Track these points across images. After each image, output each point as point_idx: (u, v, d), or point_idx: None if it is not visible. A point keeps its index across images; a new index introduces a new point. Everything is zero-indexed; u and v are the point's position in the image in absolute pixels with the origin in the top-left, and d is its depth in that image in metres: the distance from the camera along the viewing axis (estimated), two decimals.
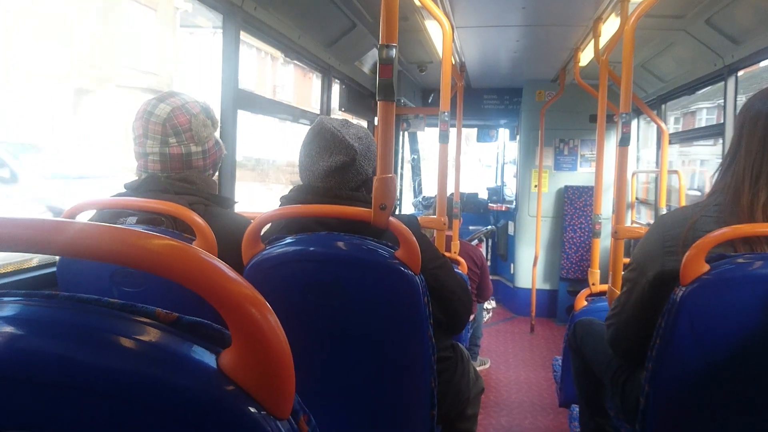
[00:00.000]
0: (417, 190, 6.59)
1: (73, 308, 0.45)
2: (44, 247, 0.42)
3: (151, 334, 0.44)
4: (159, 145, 1.45)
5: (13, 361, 0.41)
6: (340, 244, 1.29)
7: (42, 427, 0.41)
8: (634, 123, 5.07)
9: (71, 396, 0.41)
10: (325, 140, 1.43)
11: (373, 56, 4.04)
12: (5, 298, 0.47)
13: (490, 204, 6.18)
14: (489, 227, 5.89)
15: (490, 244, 6.05)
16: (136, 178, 1.50)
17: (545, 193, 5.30)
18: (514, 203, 5.75)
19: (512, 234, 5.67)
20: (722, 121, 3.22)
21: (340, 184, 1.43)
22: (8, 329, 0.43)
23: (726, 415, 1.18)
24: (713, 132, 3.76)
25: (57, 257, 1.45)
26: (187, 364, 0.43)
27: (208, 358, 0.44)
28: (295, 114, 3.25)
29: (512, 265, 5.63)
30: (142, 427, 0.41)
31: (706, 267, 1.14)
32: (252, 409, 0.43)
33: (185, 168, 1.49)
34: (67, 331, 0.43)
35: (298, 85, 19.55)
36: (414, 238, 1.24)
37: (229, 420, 0.42)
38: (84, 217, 1.51)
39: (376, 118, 4.79)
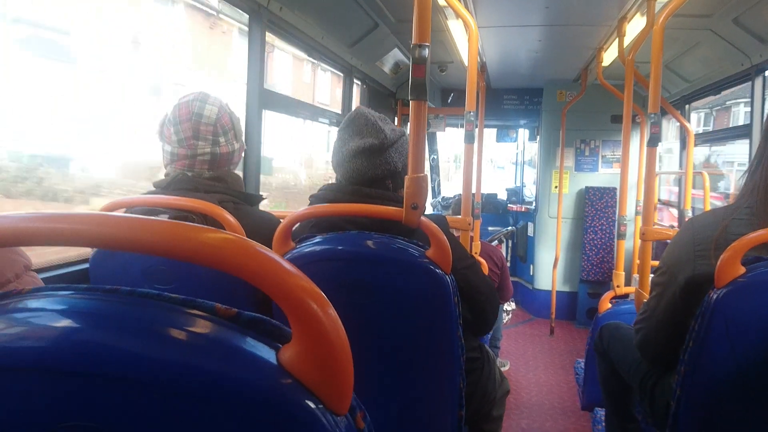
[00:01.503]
0: (436, 191, 6.58)
1: (135, 302, 0.46)
2: (107, 242, 0.43)
3: (212, 329, 0.44)
4: (210, 145, 1.49)
5: (75, 354, 0.42)
6: (370, 243, 1.29)
7: (104, 420, 0.42)
8: None
9: (133, 390, 0.41)
10: (359, 124, 1.46)
11: (393, 56, 4.04)
12: (64, 292, 0.47)
13: (509, 205, 6.14)
14: (509, 228, 5.85)
15: (509, 245, 6.01)
16: (164, 177, 1.51)
17: (566, 194, 5.26)
18: (534, 204, 5.72)
19: (532, 235, 5.63)
20: (749, 122, 3.17)
21: (368, 167, 1.44)
22: (70, 323, 0.44)
23: (761, 420, 1.16)
24: (740, 132, 3.71)
25: (89, 254, 1.47)
26: (247, 358, 0.43)
27: (267, 354, 0.44)
28: (317, 114, 3.26)
29: (532, 267, 5.59)
30: (202, 420, 0.42)
31: (742, 269, 1.12)
32: (311, 404, 0.43)
33: (227, 165, 1.53)
34: (129, 325, 0.44)
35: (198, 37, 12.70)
36: (445, 238, 1.23)
37: (288, 414, 0.42)
38: None
39: (396, 118, 4.80)
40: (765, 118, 1.30)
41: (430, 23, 1.24)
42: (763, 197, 1.22)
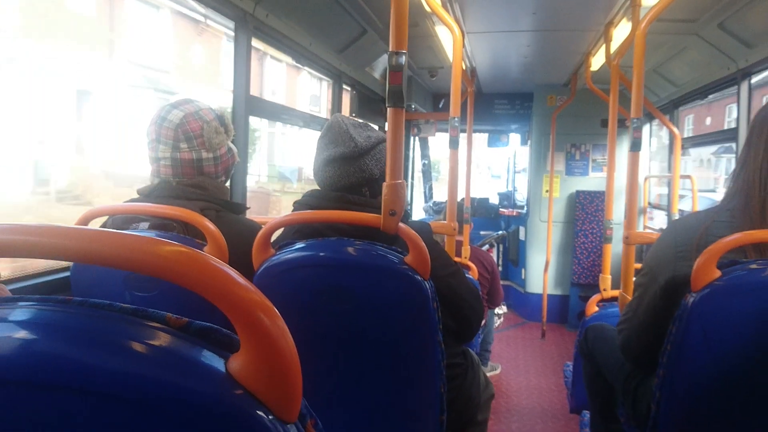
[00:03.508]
0: (428, 196, 6.59)
1: (86, 313, 0.46)
2: (58, 253, 0.43)
3: (162, 339, 0.45)
4: (171, 150, 1.48)
5: (27, 365, 0.42)
6: (350, 249, 1.29)
7: (51, 431, 0.42)
8: (646, 127, 5.04)
9: (83, 399, 0.42)
10: (333, 133, 1.47)
11: (383, 62, 4.05)
12: (20, 303, 0.48)
13: (501, 209, 6.16)
14: (500, 232, 5.87)
15: (501, 249, 6.03)
16: (149, 183, 1.52)
17: (556, 198, 5.28)
18: (526, 208, 5.74)
19: (523, 239, 5.65)
20: (735, 126, 3.19)
21: (340, 175, 1.44)
22: (23, 334, 0.44)
23: (738, 422, 1.17)
24: (726, 137, 3.73)
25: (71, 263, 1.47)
26: (196, 368, 0.44)
27: (217, 363, 0.44)
28: (305, 119, 3.27)
29: (523, 271, 5.61)
30: (150, 430, 0.42)
31: (718, 273, 1.13)
32: (260, 413, 0.43)
33: (196, 173, 1.51)
34: (80, 335, 0.44)
35: None
36: (423, 244, 1.24)
37: (237, 423, 0.43)
38: (96, 223, 1.53)
39: (387, 124, 4.80)
40: (750, 123, 1.32)
41: (407, 31, 1.25)
42: (744, 201, 1.24)
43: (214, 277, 0.43)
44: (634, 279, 1.75)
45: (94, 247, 0.43)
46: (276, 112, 2.78)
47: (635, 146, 2.05)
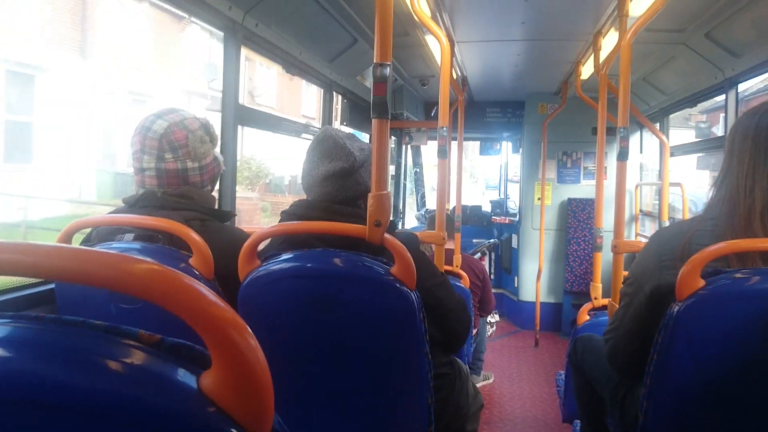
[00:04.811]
0: (420, 203, 6.60)
1: (58, 330, 0.46)
2: (31, 271, 0.43)
3: (134, 356, 0.44)
4: (155, 160, 1.47)
5: None
6: (336, 260, 1.29)
7: None
8: (636, 135, 5.07)
9: (53, 417, 0.42)
10: (328, 147, 1.46)
11: None
12: None
13: (493, 217, 6.18)
14: (492, 240, 5.88)
15: (493, 257, 6.04)
16: (134, 193, 1.52)
17: (548, 206, 5.29)
18: (518, 216, 5.75)
19: (516, 247, 5.66)
20: (723, 134, 3.22)
21: (338, 190, 1.44)
22: None
23: (724, 430, 1.17)
24: (714, 144, 3.76)
25: None
26: (168, 385, 0.44)
27: (189, 379, 0.44)
28: (297, 129, 3.27)
29: (516, 279, 5.61)
30: None
31: (702, 282, 1.14)
32: (231, 430, 0.43)
33: (182, 183, 1.51)
34: (51, 352, 0.44)
35: None
36: (409, 254, 1.24)
37: None
38: (82, 235, 1.52)
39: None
40: (727, 136, 1.33)
41: (391, 43, 1.26)
42: (728, 210, 1.24)
43: (185, 294, 0.43)
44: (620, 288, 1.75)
45: (67, 265, 0.43)
46: (265, 121, 2.78)
47: (622, 155, 2.06)
